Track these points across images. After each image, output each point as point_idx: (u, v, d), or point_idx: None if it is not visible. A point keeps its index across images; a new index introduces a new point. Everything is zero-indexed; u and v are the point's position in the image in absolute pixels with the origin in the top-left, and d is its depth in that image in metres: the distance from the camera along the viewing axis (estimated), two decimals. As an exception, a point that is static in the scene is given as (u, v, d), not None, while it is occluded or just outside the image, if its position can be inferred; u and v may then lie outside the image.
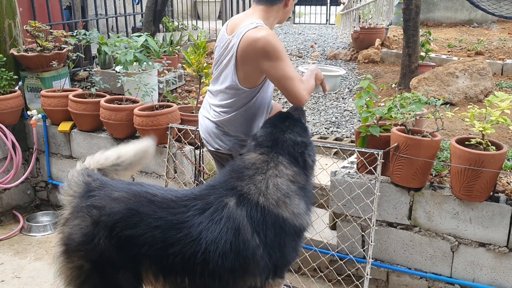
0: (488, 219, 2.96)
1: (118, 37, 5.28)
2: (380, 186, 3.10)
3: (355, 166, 3.43)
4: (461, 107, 4.55)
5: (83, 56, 5.23)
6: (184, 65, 4.45)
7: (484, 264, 3.04)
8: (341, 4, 7.84)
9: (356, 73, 6.47)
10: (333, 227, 3.50)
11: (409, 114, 3.11)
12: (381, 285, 3.41)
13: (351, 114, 5.07)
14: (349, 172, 3.36)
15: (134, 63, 4.66)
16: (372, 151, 3.08)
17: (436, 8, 9.83)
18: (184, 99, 5.13)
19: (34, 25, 4.58)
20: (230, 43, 2.64)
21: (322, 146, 3.37)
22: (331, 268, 3.33)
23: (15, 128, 4.59)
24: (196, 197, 2.26)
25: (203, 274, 2.16)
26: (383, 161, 3.05)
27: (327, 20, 11.32)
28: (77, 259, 2.23)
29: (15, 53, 4.53)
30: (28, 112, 4.58)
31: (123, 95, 4.40)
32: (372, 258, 3.15)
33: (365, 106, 3.32)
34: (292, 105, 2.72)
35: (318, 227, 3.32)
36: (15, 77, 4.56)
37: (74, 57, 4.67)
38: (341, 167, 3.44)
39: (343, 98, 5.59)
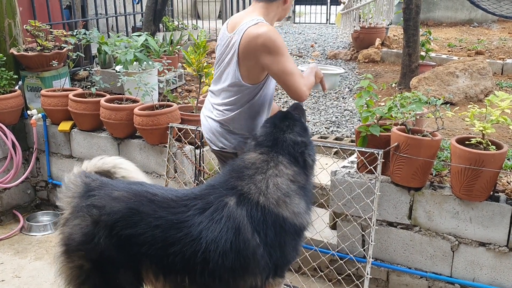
0: (488, 219, 2.96)
1: (118, 36, 5.28)
2: (380, 186, 3.09)
3: (355, 165, 3.43)
4: (461, 107, 4.55)
5: (83, 55, 5.23)
6: (184, 65, 4.45)
7: (484, 263, 3.04)
8: (341, 4, 7.84)
9: (356, 72, 6.47)
10: (333, 226, 3.50)
11: (409, 113, 3.11)
12: (381, 284, 3.41)
13: (351, 113, 5.07)
14: (349, 171, 3.36)
15: (134, 62, 4.66)
16: (372, 150, 3.08)
17: (436, 8, 9.82)
18: (184, 99, 5.13)
19: (34, 24, 4.58)
20: (231, 41, 2.65)
21: (322, 146, 3.37)
22: (331, 267, 3.33)
23: (15, 128, 4.59)
24: (196, 197, 2.26)
25: (203, 273, 2.17)
26: (383, 160, 3.05)
27: (327, 20, 11.32)
28: (77, 258, 2.23)
29: (15, 53, 4.53)
30: (28, 112, 4.58)
31: (123, 94, 4.40)
32: (372, 258, 3.15)
33: (366, 105, 3.32)
34: (291, 105, 2.72)
35: (318, 227, 3.32)
36: (15, 76, 4.56)
37: (74, 57, 4.67)
38: (341, 167, 3.44)
39: (343, 98, 5.58)
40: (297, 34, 9.19)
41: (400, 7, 5.98)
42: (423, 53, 5.68)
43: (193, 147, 3.76)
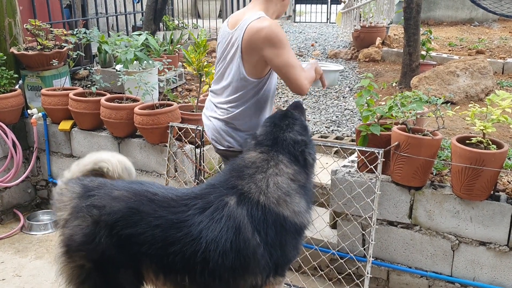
0: (488, 218, 2.95)
1: (119, 35, 5.28)
2: (380, 185, 3.09)
3: (355, 165, 3.42)
4: (462, 106, 4.55)
5: (84, 54, 5.23)
6: (184, 64, 4.45)
7: (484, 263, 3.04)
8: (342, 3, 7.84)
9: (357, 72, 6.46)
10: (334, 226, 3.50)
11: (410, 113, 3.10)
12: (382, 284, 3.41)
13: (351, 113, 5.06)
14: (349, 171, 3.36)
15: (135, 61, 4.66)
16: (372, 150, 3.08)
17: (437, 7, 9.82)
18: (184, 98, 5.13)
19: (34, 23, 4.58)
20: (233, 37, 2.67)
21: (323, 145, 3.37)
22: (332, 266, 3.33)
23: (16, 127, 4.59)
24: (197, 196, 2.26)
25: (203, 273, 2.16)
26: (384, 160, 3.05)
27: (327, 19, 11.31)
28: (78, 259, 2.23)
29: (16, 52, 4.53)
30: (29, 111, 4.58)
31: (124, 93, 4.40)
32: (372, 257, 3.15)
33: (366, 105, 3.32)
34: (291, 104, 2.72)
35: (319, 226, 3.32)
36: (16, 75, 4.56)
37: (74, 56, 4.67)
38: (342, 166, 3.44)
39: (343, 97, 5.58)
40: (298, 33, 9.18)
41: (401, 6, 5.98)
42: (423, 52, 5.68)
43: (194, 146, 3.76)
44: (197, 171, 3.70)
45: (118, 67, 4.68)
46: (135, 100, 4.21)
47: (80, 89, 4.51)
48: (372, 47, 7.04)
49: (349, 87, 5.85)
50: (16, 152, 4.43)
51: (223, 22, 2.92)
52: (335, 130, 4.64)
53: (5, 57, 4.47)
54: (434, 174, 3.23)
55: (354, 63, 6.90)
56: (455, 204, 3.02)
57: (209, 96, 2.94)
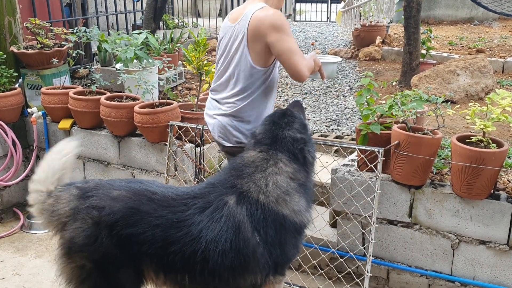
0: (488, 217, 2.95)
1: (119, 34, 5.27)
2: (380, 184, 3.09)
3: (355, 164, 3.42)
4: (462, 105, 4.54)
5: (83, 53, 5.23)
6: (184, 63, 4.45)
7: (484, 262, 3.04)
8: (342, 2, 7.82)
9: (357, 70, 6.46)
10: (334, 224, 3.50)
11: (410, 111, 3.10)
12: (382, 282, 3.41)
13: (351, 112, 5.06)
14: (349, 170, 3.36)
15: (135, 60, 4.65)
16: (372, 148, 3.08)
17: (437, 6, 9.81)
18: (184, 97, 5.13)
19: (34, 22, 4.57)
20: (236, 29, 2.69)
21: (323, 144, 3.36)
22: (332, 265, 3.33)
23: (16, 126, 4.59)
24: (197, 196, 2.26)
25: (203, 272, 2.17)
26: (384, 158, 3.05)
27: (327, 18, 11.30)
28: (79, 259, 2.22)
29: (15, 51, 4.53)
30: (28, 110, 4.58)
31: (124, 92, 4.39)
32: (372, 256, 3.15)
33: (366, 103, 3.31)
34: (291, 102, 2.72)
35: (319, 225, 3.32)
36: (15, 74, 4.56)
37: (74, 55, 4.67)
38: (342, 165, 3.44)
39: (343, 96, 5.58)
40: (298, 32, 9.18)
41: (401, 5, 5.97)
42: (424, 51, 5.67)
43: (193, 145, 3.76)
44: (197, 170, 3.70)
45: (118, 65, 4.68)
46: (135, 99, 4.20)
47: (80, 88, 4.51)
48: (372, 46, 7.03)
49: (349, 86, 5.85)
50: (16, 151, 4.43)
51: (223, 20, 2.93)
52: (335, 129, 4.64)
53: (5, 56, 4.47)
54: (434, 173, 3.23)
55: (354, 62, 6.90)
56: (455, 203, 3.02)
57: (209, 96, 2.94)
